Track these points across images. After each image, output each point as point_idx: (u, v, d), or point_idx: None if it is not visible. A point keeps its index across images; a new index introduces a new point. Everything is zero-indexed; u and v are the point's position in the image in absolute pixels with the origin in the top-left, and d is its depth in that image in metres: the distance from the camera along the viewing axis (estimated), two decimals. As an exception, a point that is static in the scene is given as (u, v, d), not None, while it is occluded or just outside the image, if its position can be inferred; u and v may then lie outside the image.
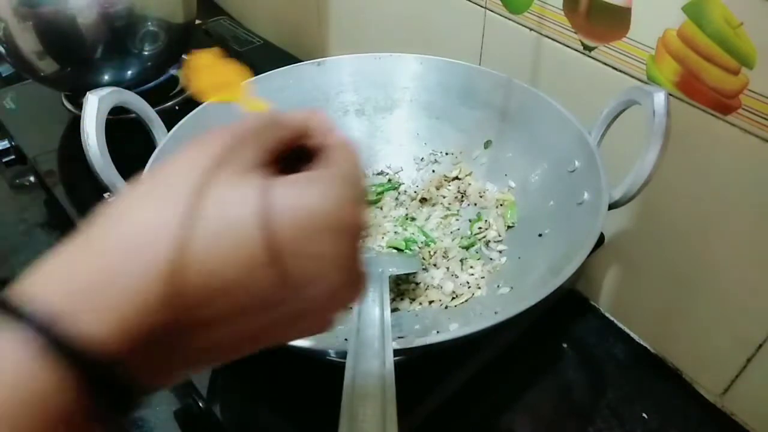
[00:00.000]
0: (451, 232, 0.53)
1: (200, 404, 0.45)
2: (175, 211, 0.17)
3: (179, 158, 0.19)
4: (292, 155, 0.22)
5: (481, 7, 0.54)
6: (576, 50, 0.47)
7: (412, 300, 0.48)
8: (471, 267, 0.49)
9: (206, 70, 0.27)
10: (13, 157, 0.71)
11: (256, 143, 0.21)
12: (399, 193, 0.57)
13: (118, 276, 0.16)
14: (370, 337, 0.33)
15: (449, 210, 0.55)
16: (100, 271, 0.16)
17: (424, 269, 0.50)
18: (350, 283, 0.21)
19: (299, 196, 0.19)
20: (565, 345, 0.55)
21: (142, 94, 0.47)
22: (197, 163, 0.19)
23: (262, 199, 0.18)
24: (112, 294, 0.16)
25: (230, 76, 0.27)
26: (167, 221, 0.17)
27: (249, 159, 0.20)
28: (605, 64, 0.46)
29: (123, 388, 0.16)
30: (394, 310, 0.46)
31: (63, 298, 0.16)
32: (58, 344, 0.15)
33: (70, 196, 0.61)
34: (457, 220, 0.54)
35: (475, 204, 0.55)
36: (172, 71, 0.79)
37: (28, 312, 0.15)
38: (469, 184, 0.56)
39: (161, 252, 0.17)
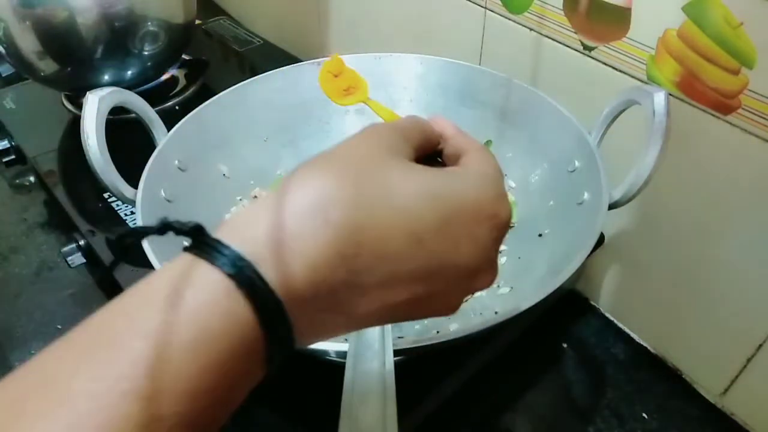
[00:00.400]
0: (451, 232, 0.53)
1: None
2: (348, 184, 0.19)
3: (351, 143, 0.21)
4: (430, 154, 0.26)
5: (481, 7, 0.54)
6: (576, 50, 0.47)
7: (412, 300, 0.48)
8: (471, 267, 0.49)
9: (334, 77, 0.30)
10: (13, 157, 0.71)
11: (410, 140, 0.23)
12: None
13: (296, 236, 0.18)
14: (370, 337, 0.33)
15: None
16: (281, 229, 0.18)
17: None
18: (487, 270, 0.23)
19: (459, 185, 0.21)
20: (565, 345, 0.55)
21: (142, 94, 0.47)
22: (365, 147, 0.21)
23: (426, 183, 0.20)
24: (293, 250, 0.18)
25: (355, 81, 0.30)
26: (341, 193, 0.19)
27: (407, 152, 0.22)
28: (605, 64, 0.46)
29: (289, 335, 0.18)
30: (394, 310, 0.46)
31: (252, 247, 0.18)
32: (249, 284, 0.17)
33: (70, 196, 0.61)
34: (457, 220, 0.54)
35: (475, 204, 0.55)
36: (172, 71, 0.79)
37: (224, 253, 0.17)
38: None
39: (335, 217, 0.18)
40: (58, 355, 0.17)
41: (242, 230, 0.19)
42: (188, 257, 0.18)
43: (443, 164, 0.27)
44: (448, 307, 0.23)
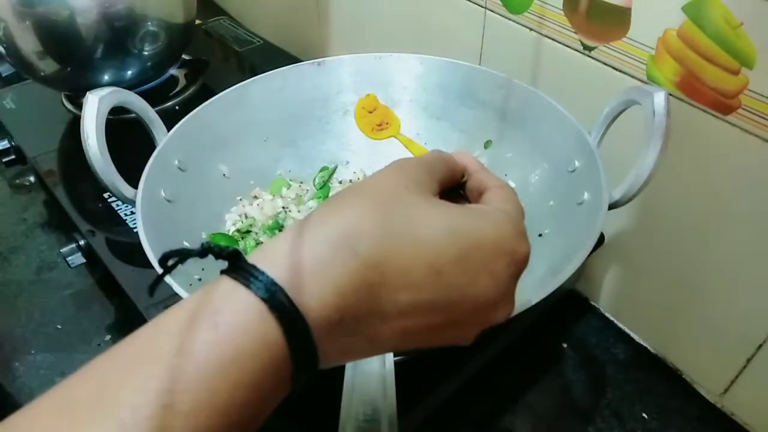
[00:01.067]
0: (451, 232, 0.53)
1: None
2: (375, 218, 0.21)
3: (378, 177, 0.23)
4: (453, 187, 0.27)
5: (481, 7, 0.54)
6: (576, 50, 0.47)
7: (412, 300, 0.48)
8: (471, 267, 0.49)
9: (368, 113, 0.31)
10: (13, 157, 0.71)
11: (434, 175, 0.24)
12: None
13: (326, 265, 0.19)
14: (370, 337, 0.33)
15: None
16: (312, 257, 0.19)
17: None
18: (504, 303, 0.24)
19: (479, 221, 0.23)
20: (565, 345, 0.55)
21: (142, 94, 0.47)
22: (392, 182, 0.23)
23: (448, 218, 0.22)
24: (323, 277, 0.19)
25: (388, 117, 0.31)
26: (368, 226, 0.20)
27: (431, 187, 0.24)
28: (605, 64, 0.46)
29: (314, 358, 0.20)
30: (394, 310, 0.46)
31: (284, 274, 0.19)
32: (280, 308, 0.18)
33: (70, 196, 0.61)
34: (457, 220, 0.54)
35: (475, 204, 0.55)
36: (172, 71, 0.79)
37: (259, 278, 0.19)
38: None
39: (363, 248, 0.20)
40: (106, 367, 0.19)
41: (276, 257, 0.20)
42: (226, 281, 0.20)
43: (466, 197, 0.28)
44: (465, 337, 0.24)
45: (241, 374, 0.18)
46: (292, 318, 0.19)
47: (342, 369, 0.31)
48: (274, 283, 0.19)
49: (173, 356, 0.18)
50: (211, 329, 0.18)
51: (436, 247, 0.21)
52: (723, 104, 0.39)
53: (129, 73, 0.69)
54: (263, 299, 0.19)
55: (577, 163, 0.46)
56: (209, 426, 0.18)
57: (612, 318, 0.56)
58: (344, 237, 0.20)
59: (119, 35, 0.64)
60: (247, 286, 0.19)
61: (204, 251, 0.20)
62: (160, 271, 0.21)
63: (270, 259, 0.20)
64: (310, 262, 0.19)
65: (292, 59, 0.83)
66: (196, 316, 0.19)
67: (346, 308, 0.20)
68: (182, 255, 0.21)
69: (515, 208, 0.25)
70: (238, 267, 0.20)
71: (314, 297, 0.19)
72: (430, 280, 0.21)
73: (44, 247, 0.65)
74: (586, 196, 0.44)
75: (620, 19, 0.43)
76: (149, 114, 0.48)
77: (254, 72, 0.64)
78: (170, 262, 0.21)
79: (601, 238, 0.51)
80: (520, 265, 0.24)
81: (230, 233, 0.51)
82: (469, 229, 0.22)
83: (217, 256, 0.20)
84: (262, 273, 0.19)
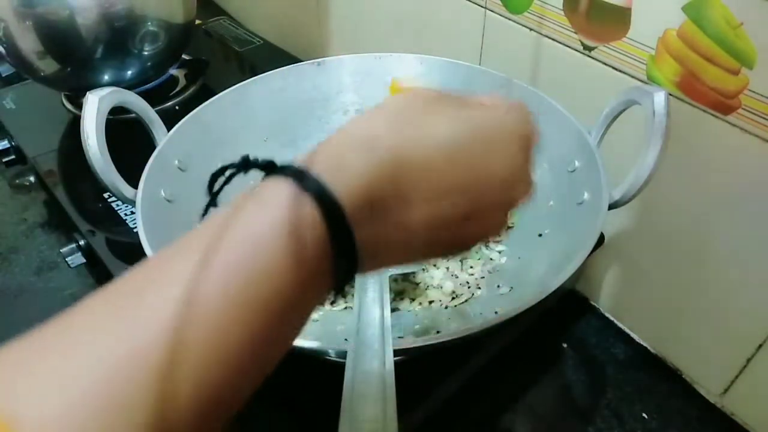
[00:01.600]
0: (451, 232, 0.53)
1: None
2: (391, 121, 0.23)
3: (395, 97, 0.25)
4: None
5: (481, 7, 0.54)
6: (576, 50, 0.47)
7: (412, 300, 0.48)
8: (471, 267, 0.49)
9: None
10: (13, 157, 0.71)
11: (448, 100, 0.26)
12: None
13: (350, 159, 0.21)
14: (370, 337, 0.33)
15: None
16: (337, 158, 0.22)
17: (423, 269, 0.50)
18: (523, 181, 0.25)
19: (489, 112, 0.25)
20: (565, 345, 0.55)
21: (142, 94, 0.47)
22: (407, 98, 0.24)
23: (459, 112, 0.24)
24: (348, 169, 0.21)
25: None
26: (385, 128, 0.22)
27: (444, 101, 0.25)
28: (605, 64, 0.46)
29: (350, 239, 0.21)
30: (394, 310, 0.46)
31: (314, 166, 0.21)
32: (315, 189, 0.20)
33: (70, 196, 0.61)
34: (457, 220, 0.54)
35: (475, 204, 0.55)
36: (172, 71, 0.79)
37: (292, 169, 0.21)
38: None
39: (380, 145, 0.22)
40: (161, 254, 0.20)
41: (306, 158, 0.22)
42: (265, 181, 0.22)
43: None
44: (496, 223, 0.26)
45: (292, 244, 0.19)
46: (325, 196, 0.20)
47: (342, 369, 0.31)
48: (306, 171, 0.21)
49: (224, 229, 0.19)
50: (259, 209, 0.20)
51: (449, 136, 0.23)
52: (723, 104, 0.39)
53: (129, 73, 0.69)
54: (296, 183, 0.20)
55: (577, 163, 0.46)
56: (270, 291, 0.19)
57: (612, 318, 0.56)
58: (365, 138, 0.22)
59: (119, 35, 0.64)
60: (283, 175, 0.21)
61: (244, 164, 0.23)
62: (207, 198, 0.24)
63: (302, 160, 0.22)
64: (335, 162, 0.21)
65: (292, 59, 0.83)
66: (243, 204, 0.20)
67: (371, 194, 0.21)
68: (224, 170, 0.23)
69: (522, 106, 0.27)
70: (273, 170, 0.22)
71: (342, 184, 0.21)
72: (447, 166, 0.23)
73: (44, 247, 0.65)
74: (586, 196, 0.44)
75: (620, 19, 0.43)
76: (149, 114, 0.48)
77: (254, 72, 0.64)
78: (215, 188, 0.23)
79: (601, 238, 0.51)
80: (530, 145, 0.26)
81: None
82: (480, 119, 0.24)
83: (255, 166, 0.23)
84: (293, 166, 0.21)
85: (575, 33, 0.47)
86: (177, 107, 0.73)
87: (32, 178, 0.75)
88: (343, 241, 0.21)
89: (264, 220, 0.20)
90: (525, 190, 0.26)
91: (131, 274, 0.19)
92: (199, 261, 0.19)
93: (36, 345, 0.17)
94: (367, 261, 0.22)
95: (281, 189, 0.20)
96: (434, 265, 0.50)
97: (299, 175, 0.20)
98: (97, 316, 0.18)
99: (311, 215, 0.20)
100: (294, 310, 0.21)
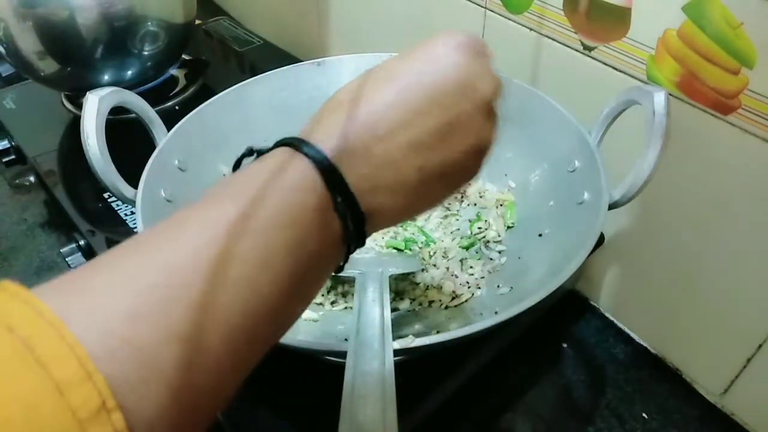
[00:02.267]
0: (451, 232, 0.53)
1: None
2: (354, 82, 0.27)
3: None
4: None
5: (481, 7, 0.54)
6: (576, 50, 0.47)
7: (412, 300, 0.48)
8: (471, 267, 0.49)
9: None
10: (13, 157, 0.71)
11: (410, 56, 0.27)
12: (399, 193, 0.57)
13: (324, 120, 0.25)
14: (370, 337, 0.33)
15: (449, 210, 0.55)
16: (317, 121, 0.26)
17: (423, 269, 0.50)
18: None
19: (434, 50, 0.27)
20: (565, 345, 0.55)
21: (142, 94, 0.47)
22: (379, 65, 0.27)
23: (413, 55, 0.26)
24: (324, 127, 0.25)
25: None
26: (348, 88, 0.27)
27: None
28: (605, 64, 0.46)
29: (344, 183, 0.23)
30: (394, 310, 0.46)
31: (304, 133, 0.25)
32: (303, 146, 0.23)
33: (70, 196, 0.61)
34: (457, 220, 0.54)
35: (475, 204, 0.55)
36: (172, 71, 0.79)
37: (285, 139, 0.25)
38: (469, 184, 0.56)
39: (343, 100, 0.26)
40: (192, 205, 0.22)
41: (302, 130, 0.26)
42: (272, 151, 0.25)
43: None
44: (477, 128, 0.26)
45: (297, 196, 0.22)
46: (311, 150, 0.23)
47: (342, 369, 0.31)
48: (295, 138, 0.24)
49: (243, 186, 0.22)
50: (263, 171, 0.23)
51: (402, 74, 0.25)
52: (723, 104, 0.39)
53: (129, 73, 0.69)
54: (288, 145, 0.24)
55: (577, 163, 0.46)
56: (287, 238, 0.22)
57: (612, 318, 0.56)
58: (335, 101, 0.26)
59: (119, 35, 0.64)
60: (280, 144, 0.25)
61: (249, 152, 0.27)
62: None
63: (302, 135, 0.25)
64: (314, 125, 0.25)
65: (292, 59, 0.83)
66: (251, 170, 0.23)
67: (346, 135, 0.24)
68: (242, 158, 0.27)
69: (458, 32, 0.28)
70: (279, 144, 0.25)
71: (322, 138, 0.24)
72: (402, 96, 0.25)
73: (44, 247, 0.65)
74: (586, 196, 0.44)
75: (620, 19, 0.43)
76: (149, 114, 0.48)
77: (254, 72, 0.64)
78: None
79: (601, 238, 0.51)
80: (496, 90, 0.27)
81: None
82: (452, 66, 0.26)
83: (261, 153, 0.26)
84: (286, 137, 0.25)
85: (575, 33, 0.47)
86: (177, 107, 0.73)
87: (32, 178, 0.75)
88: (334, 180, 0.23)
89: (269, 178, 0.22)
90: (492, 129, 0.28)
91: (169, 219, 0.22)
92: (238, 208, 0.21)
93: (86, 268, 0.19)
94: (372, 212, 0.24)
95: (282, 151, 0.24)
96: (434, 265, 0.50)
97: (289, 142, 0.24)
98: (141, 245, 0.21)
99: (305, 168, 0.23)
100: (313, 265, 0.23)
